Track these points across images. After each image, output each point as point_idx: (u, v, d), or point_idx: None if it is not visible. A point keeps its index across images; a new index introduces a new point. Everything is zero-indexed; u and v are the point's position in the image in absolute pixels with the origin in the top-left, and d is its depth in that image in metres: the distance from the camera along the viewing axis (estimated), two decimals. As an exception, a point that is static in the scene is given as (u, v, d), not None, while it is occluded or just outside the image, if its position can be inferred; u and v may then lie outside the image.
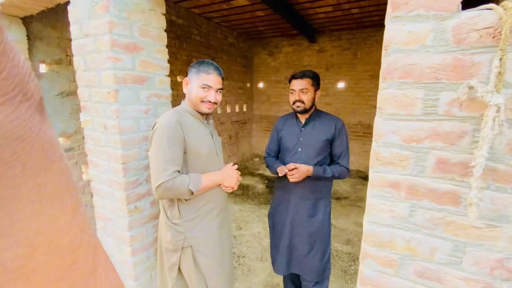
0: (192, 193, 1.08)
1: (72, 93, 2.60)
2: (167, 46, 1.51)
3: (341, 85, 5.05)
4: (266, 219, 3.20)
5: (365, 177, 4.82)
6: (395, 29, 0.67)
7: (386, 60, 0.69)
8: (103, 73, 1.29)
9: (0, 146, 0.16)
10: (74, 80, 2.59)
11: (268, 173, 5.08)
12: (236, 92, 5.49)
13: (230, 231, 1.43)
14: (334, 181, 1.91)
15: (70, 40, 2.55)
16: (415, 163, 0.69)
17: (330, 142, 1.53)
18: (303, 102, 1.48)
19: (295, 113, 1.60)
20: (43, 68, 2.40)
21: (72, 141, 2.65)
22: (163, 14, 1.47)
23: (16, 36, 2.11)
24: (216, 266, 1.22)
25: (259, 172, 5.18)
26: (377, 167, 0.73)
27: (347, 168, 1.52)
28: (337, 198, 3.88)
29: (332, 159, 1.59)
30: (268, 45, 5.75)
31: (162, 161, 1.04)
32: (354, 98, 4.98)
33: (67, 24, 2.47)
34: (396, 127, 0.69)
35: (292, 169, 1.42)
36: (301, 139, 1.55)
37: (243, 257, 2.47)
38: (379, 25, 4.46)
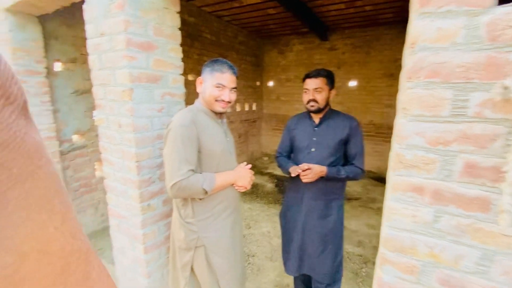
0: (206, 192, 1.08)
1: (86, 92, 2.64)
2: (180, 45, 1.51)
3: (352, 83, 4.97)
4: (276, 219, 3.19)
5: (376, 178, 4.74)
6: (423, 26, 0.64)
7: (412, 58, 0.66)
8: (118, 71, 1.30)
9: None
10: (89, 79, 2.64)
11: (277, 172, 5.05)
12: (245, 90, 5.47)
13: (242, 230, 1.42)
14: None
15: (85, 39, 2.58)
16: (442, 167, 0.66)
17: (345, 142, 1.50)
18: (317, 102, 1.46)
19: (308, 113, 1.57)
20: (58, 66, 2.45)
21: (86, 139, 2.70)
22: (177, 13, 1.46)
23: (32, 34, 2.15)
24: (228, 266, 1.22)
25: (268, 171, 5.16)
26: (399, 170, 0.70)
27: (362, 169, 1.49)
28: (348, 199, 3.82)
29: (346, 160, 1.56)
30: (279, 44, 5.70)
31: (177, 160, 1.04)
32: (366, 97, 4.89)
33: (82, 23, 2.51)
34: (421, 128, 0.66)
35: (306, 169, 1.39)
36: (315, 138, 1.52)
37: (253, 256, 2.47)
38: (393, 23, 4.35)
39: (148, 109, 1.37)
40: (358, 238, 2.80)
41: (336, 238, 1.54)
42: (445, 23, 0.61)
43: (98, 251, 2.50)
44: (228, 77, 1.14)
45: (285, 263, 1.67)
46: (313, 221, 1.52)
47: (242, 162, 1.31)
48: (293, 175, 1.43)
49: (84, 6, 1.37)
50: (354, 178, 1.47)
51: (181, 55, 1.52)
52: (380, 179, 4.70)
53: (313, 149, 1.52)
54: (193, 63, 4.08)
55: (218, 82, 1.13)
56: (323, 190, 1.50)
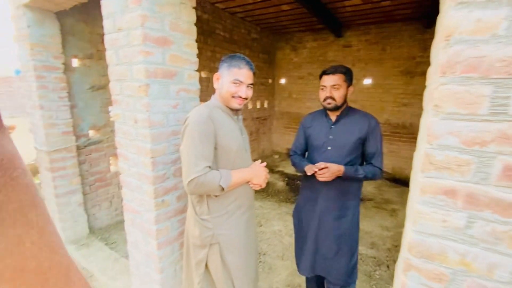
0: (223, 189, 1.07)
1: (102, 87, 2.68)
2: (195, 41, 1.50)
3: (367, 81, 4.85)
4: (287, 217, 3.16)
5: (390, 179, 4.62)
6: (460, 17, 0.59)
7: (447, 51, 0.61)
8: (134, 67, 1.30)
9: None
10: (104, 75, 2.68)
11: (288, 170, 5.01)
12: (257, 88, 5.44)
13: (256, 228, 1.41)
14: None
15: (101, 35, 2.62)
16: (477, 169, 0.61)
17: (363, 141, 1.46)
18: (334, 99, 1.41)
19: (324, 110, 1.53)
20: (75, 62, 2.49)
21: (101, 134, 2.75)
22: (193, 8, 1.45)
23: (50, 30, 2.19)
24: (242, 264, 1.20)
25: (279, 169, 5.12)
26: (429, 171, 0.66)
27: (381, 169, 1.44)
28: (361, 200, 3.73)
29: (363, 159, 1.51)
30: (292, 40, 5.63)
31: (194, 157, 1.03)
32: (381, 95, 4.76)
33: (98, 19, 2.55)
34: (456, 127, 0.62)
35: (322, 168, 1.36)
36: (331, 137, 1.48)
37: (264, 254, 2.45)
38: (411, 19, 4.21)
39: (164, 105, 1.37)
40: (372, 239, 2.73)
41: (352, 239, 1.50)
42: (485, 14, 0.57)
43: (112, 245, 2.55)
44: (245, 73, 1.12)
45: (298, 263, 1.64)
46: (328, 221, 1.49)
47: (260, 160, 1.29)
48: (308, 174, 1.40)
49: (102, 2, 1.37)
50: (372, 178, 1.43)
51: (196, 51, 1.51)
52: (395, 180, 4.58)
53: (329, 148, 1.48)
54: (206, 60, 4.08)
55: (235, 78, 1.11)
56: (339, 190, 1.46)
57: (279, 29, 5.27)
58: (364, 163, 1.52)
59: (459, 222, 0.65)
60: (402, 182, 4.50)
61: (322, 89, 1.45)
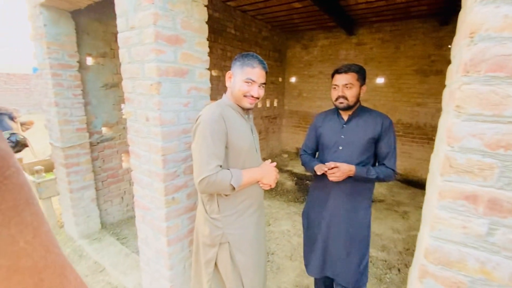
0: (234, 188, 1.06)
1: (114, 85, 2.73)
2: (206, 39, 1.49)
3: (380, 80, 4.74)
4: (295, 217, 3.14)
5: (403, 180, 4.52)
6: (486, 13, 0.56)
7: (471, 49, 0.58)
8: (146, 65, 1.30)
9: None
10: (117, 73, 2.72)
11: (297, 170, 4.98)
12: (267, 86, 5.42)
13: (265, 228, 1.40)
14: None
15: (114, 34, 2.66)
16: (501, 174, 0.58)
17: (375, 141, 1.42)
18: (346, 99, 1.38)
19: (336, 109, 1.50)
20: (89, 61, 2.54)
21: (113, 131, 2.79)
22: (205, 6, 1.44)
23: (65, 29, 2.24)
24: (251, 263, 1.20)
25: (288, 168, 5.10)
26: (449, 175, 0.63)
27: (394, 170, 1.40)
28: (372, 201, 3.68)
29: (376, 160, 1.47)
30: (303, 38, 5.57)
31: (206, 155, 1.02)
32: (394, 95, 4.65)
33: (111, 18, 2.59)
34: (479, 129, 0.59)
35: (332, 168, 1.33)
36: (343, 136, 1.45)
37: (272, 254, 2.44)
38: (427, 16, 4.08)
39: (175, 103, 1.37)
40: (382, 242, 2.68)
41: (362, 241, 1.47)
42: (514, 9, 0.53)
43: (123, 240, 2.60)
44: (258, 72, 1.11)
45: (306, 264, 1.62)
46: (338, 222, 1.46)
47: (271, 160, 1.28)
48: (318, 173, 1.37)
49: (116, 0, 1.38)
50: (384, 180, 1.39)
51: (207, 49, 1.50)
52: (407, 182, 4.48)
53: (340, 148, 1.45)
54: (216, 58, 4.09)
55: (248, 77, 1.10)
56: (350, 191, 1.44)
57: (290, 27, 5.22)
58: (377, 164, 1.48)
59: (480, 229, 0.62)
60: (414, 184, 4.39)
61: (334, 88, 1.42)
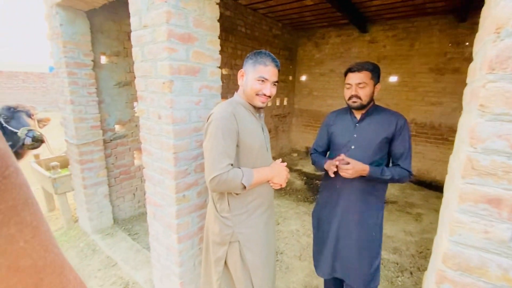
0: (245, 187, 1.06)
1: (128, 84, 2.77)
2: (218, 37, 1.49)
3: (393, 79, 4.63)
4: (305, 217, 3.11)
5: (416, 182, 4.41)
6: (514, 7, 0.53)
7: (497, 46, 0.55)
8: (159, 63, 1.31)
9: None
10: (130, 71, 2.76)
11: (306, 169, 4.94)
12: (278, 85, 5.37)
13: (275, 228, 1.39)
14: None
15: (128, 32, 2.70)
16: (528, 177, 0.55)
17: (389, 141, 1.38)
18: (360, 98, 1.35)
19: (349, 108, 1.47)
20: (103, 59, 2.59)
21: (126, 129, 2.85)
22: (217, 4, 1.44)
23: (81, 28, 2.29)
24: (261, 263, 1.19)
25: (298, 167, 5.06)
26: (471, 177, 0.61)
27: (409, 171, 1.36)
28: (384, 202, 3.61)
29: (389, 160, 1.44)
30: (314, 36, 5.50)
31: (217, 154, 1.02)
32: (408, 94, 4.53)
33: (125, 17, 2.63)
34: (505, 130, 0.56)
35: (341, 159, 1.30)
36: (355, 135, 1.42)
37: (281, 253, 2.43)
38: (444, 12, 3.94)
39: (187, 102, 1.38)
40: (394, 244, 2.62)
41: (374, 243, 1.44)
42: (546, 2, 0.50)
43: (134, 235, 2.65)
44: (271, 70, 1.10)
45: (316, 264, 1.61)
46: (349, 223, 1.43)
47: (281, 159, 1.27)
48: (330, 174, 1.35)
49: (129, -1, 1.40)
50: (399, 181, 1.36)
51: (219, 47, 1.50)
52: (420, 183, 4.37)
53: (352, 147, 1.42)
54: (227, 57, 4.10)
55: (260, 75, 1.09)
56: (362, 192, 1.41)
57: (302, 25, 5.17)
58: (391, 164, 1.45)
59: (504, 234, 0.59)
60: (428, 185, 4.28)
61: (347, 87, 1.39)
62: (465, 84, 0.79)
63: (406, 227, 2.96)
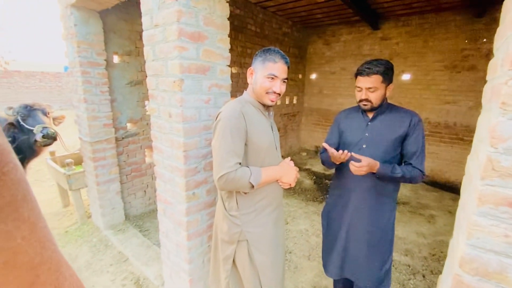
0: (253, 186, 1.05)
1: (139, 83, 2.82)
2: (228, 36, 1.49)
3: (406, 76, 4.52)
4: (314, 217, 3.09)
5: (429, 182, 4.30)
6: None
7: (522, 41, 0.53)
8: (169, 62, 1.32)
9: None
10: (141, 70, 2.80)
11: (316, 168, 4.89)
12: (287, 83, 5.32)
13: (284, 227, 1.38)
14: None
15: (139, 32, 2.73)
16: (554, 179, 0.52)
17: (402, 140, 1.34)
18: (370, 101, 1.32)
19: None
20: (115, 59, 2.63)
21: (138, 127, 2.89)
22: (227, 2, 1.44)
23: (94, 28, 2.33)
24: (270, 262, 1.19)
25: (307, 167, 5.02)
26: (492, 179, 0.58)
27: (422, 171, 1.31)
28: (396, 203, 3.53)
29: (401, 161, 1.40)
30: (324, 34, 5.43)
31: (225, 152, 1.02)
32: (421, 92, 4.41)
33: (137, 17, 2.66)
34: (529, 129, 0.53)
35: (344, 153, 1.25)
36: (367, 134, 1.39)
37: (290, 253, 2.42)
38: (460, 7, 3.81)
39: (196, 100, 1.38)
40: (406, 246, 2.57)
41: (385, 244, 1.41)
42: None
43: (145, 232, 2.70)
44: (280, 67, 1.09)
45: (325, 265, 1.59)
46: (360, 224, 1.41)
47: (290, 158, 1.25)
48: (342, 157, 1.24)
49: (141, -1, 1.41)
50: (411, 181, 1.31)
51: (228, 46, 1.50)
52: (434, 184, 4.25)
53: (364, 146, 1.39)
54: (236, 55, 4.10)
55: (270, 73, 1.08)
56: (374, 191, 1.37)
57: (312, 22, 5.11)
58: (403, 163, 1.41)
59: (527, 238, 0.56)
60: (441, 186, 4.16)
61: (358, 90, 1.36)
62: (482, 82, 0.76)
63: (419, 229, 2.89)
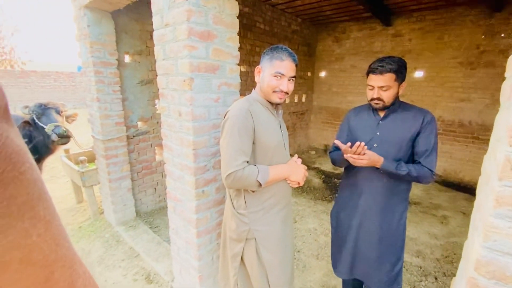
0: (260, 185, 1.05)
1: (149, 82, 2.86)
2: (237, 34, 1.49)
3: (419, 74, 4.41)
4: (322, 216, 3.07)
5: (442, 182, 4.19)
6: None
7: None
8: (179, 61, 1.34)
9: None
10: (152, 69, 2.84)
11: (324, 167, 4.85)
12: (296, 81, 5.28)
13: (293, 226, 1.38)
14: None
15: (150, 32, 2.77)
16: None
17: (414, 139, 1.31)
18: (382, 100, 1.29)
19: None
20: (127, 58, 2.68)
21: (148, 125, 2.94)
22: (236, 0, 1.44)
23: (106, 29, 2.38)
24: (278, 261, 1.19)
25: (315, 165, 4.98)
26: (510, 180, 0.56)
27: (432, 171, 1.26)
28: (408, 203, 3.46)
29: (413, 160, 1.36)
30: (334, 31, 5.36)
31: (233, 151, 1.03)
32: (435, 89, 4.30)
33: (147, 17, 2.70)
34: (551, 129, 0.51)
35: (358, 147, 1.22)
36: (378, 133, 1.36)
37: (298, 252, 2.41)
38: (477, 1, 3.68)
39: (206, 99, 1.39)
40: (417, 247, 2.52)
41: (396, 245, 1.39)
42: None
43: (155, 228, 2.74)
44: (287, 65, 1.07)
45: (334, 265, 1.57)
46: (370, 224, 1.39)
47: (298, 156, 1.25)
48: (359, 150, 1.22)
49: (152, -1, 1.43)
50: (419, 180, 1.26)
51: (238, 44, 1.50)
52: (447, 184, 4.15)
53: (375, 145, 1.36)
54: (245, 54, 4.10)
55: (277, 71, 1.07)
56: (384, 190, 1.35)
57: (321, 19, 5.05)
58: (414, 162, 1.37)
59: (547, 242, 0.54)
60: (455, 186, 4.05)
61: (370, 88, 1.32)
62: (499, 79, 0.74)
63: (431, 230, 2.82)
